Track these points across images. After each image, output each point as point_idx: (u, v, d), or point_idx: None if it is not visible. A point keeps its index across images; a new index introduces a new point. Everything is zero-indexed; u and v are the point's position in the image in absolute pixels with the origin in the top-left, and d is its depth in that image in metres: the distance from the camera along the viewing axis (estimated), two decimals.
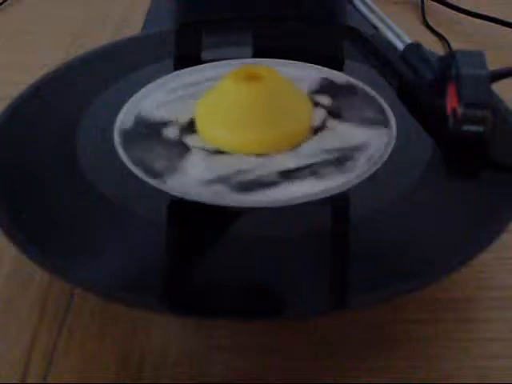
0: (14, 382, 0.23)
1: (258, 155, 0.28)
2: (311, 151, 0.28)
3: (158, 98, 0.32)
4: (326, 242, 0.24)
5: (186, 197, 0.26)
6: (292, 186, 0.26)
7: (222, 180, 0.26)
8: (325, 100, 0.31)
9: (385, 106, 0.31)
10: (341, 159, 0.28)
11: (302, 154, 0.28)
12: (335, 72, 0.34)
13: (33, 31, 0.46)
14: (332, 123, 0.30)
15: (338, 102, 0.31)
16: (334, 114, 0.31)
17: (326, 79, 0.33)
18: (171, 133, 0.29)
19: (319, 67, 0.34)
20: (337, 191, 0.26)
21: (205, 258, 0.23)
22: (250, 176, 0.27)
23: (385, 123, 0.30)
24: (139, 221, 0.25)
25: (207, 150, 0.28)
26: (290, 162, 0.28)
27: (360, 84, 0.33)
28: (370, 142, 0.29)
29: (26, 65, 0.41)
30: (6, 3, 0.50)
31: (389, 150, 0.28)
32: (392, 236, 0.24)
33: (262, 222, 0.25)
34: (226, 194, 0.26)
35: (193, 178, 0.27)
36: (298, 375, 0.23)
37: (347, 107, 0.31)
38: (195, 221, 0.25)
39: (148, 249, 0.24)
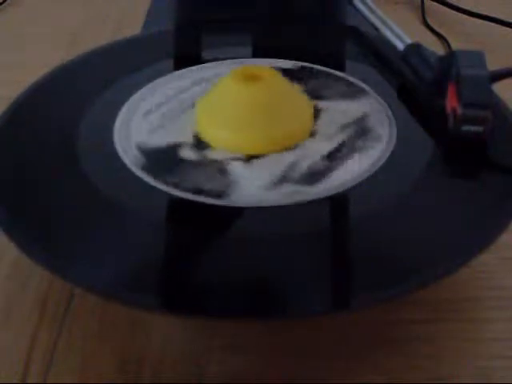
0: (14, 382, 0.23)
1: (288, 149, 0.28)
2: (330, 132, 0.29)
3: (150, 117, 0.31)
4: (326, 242, 0.24)
5: (262, 205, 0.25)
6: (346, 166, 0.27)
7: (283, 179, 0.26)
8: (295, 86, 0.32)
9: (351, 79, 0.33)
10: (361, 131, 0.29)
11: (325, 136, 0.29)
12: (281, 60, 0.35)
13: (33, 31, 0.46)
14: (321, 104, 0.31)
15: (311, 85, 0.32)
16: (314, 95, 0.32)
17: (278, 68, 0.34)
18: (189, 153, 0.28)
19: (267, 59, 0.35)
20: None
21: (205, 258, 0.23)
22: (303, 168, 0.27)
23: (363, 93, 0.32)
24: (139, 221, 0.25)
25: (239, 159, 0.28)
26: (323, 145, 0.28)
27: (311, 65, 0.34)
28: (367, 110, 0.30)
29: (25, 65, 0.41)
30: (5, 3, 0.50)
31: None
32: (392, 236, 0.24)
33: (261, 222, 0.25)
34: (300, 190, 0.26)
35: (254, 187, 0.26)
36: (298, 375, 0.23)
37: (319, 87, 0.32)
38: (195, 221, 0.25)
39: (148, 249, 0.24)
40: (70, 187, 0.27)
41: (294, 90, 0.30)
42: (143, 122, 0.30)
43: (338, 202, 0.26)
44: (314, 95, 0.32)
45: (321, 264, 0.23)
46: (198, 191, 0.26)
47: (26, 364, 0.24)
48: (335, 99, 0.31)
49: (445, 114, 0.29)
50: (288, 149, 0.28)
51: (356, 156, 0.28)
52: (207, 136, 0.29)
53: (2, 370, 0.23)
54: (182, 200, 0.26)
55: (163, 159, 0.28)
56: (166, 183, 0.26)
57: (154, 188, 0.26)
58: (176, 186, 0.26)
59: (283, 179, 0.26)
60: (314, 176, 0.27)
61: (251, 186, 0.26)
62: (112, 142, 0.29)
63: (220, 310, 0.22)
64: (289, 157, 0.28)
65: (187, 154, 0.28)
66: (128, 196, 0.26)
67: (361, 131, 0.29)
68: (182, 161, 0.28)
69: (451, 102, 0.28)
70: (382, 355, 0.24)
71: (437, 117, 0.30)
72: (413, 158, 0.28)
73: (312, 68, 0.34)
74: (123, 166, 0.27)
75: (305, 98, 0.31)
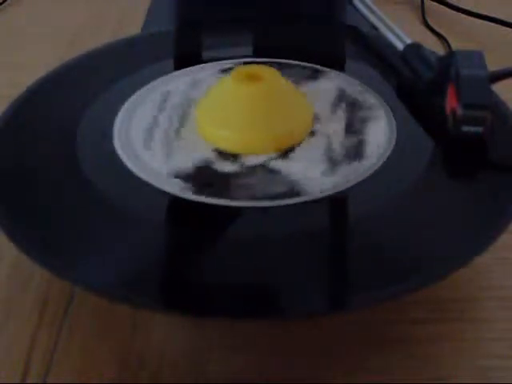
0: (14, 382, 0.23)
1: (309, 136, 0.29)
2: (328, 113, 0.30)
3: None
4: (325, 242, 0.24)
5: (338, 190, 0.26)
6: (370, 135, 0.29)
7: (334, 162, 0.27)
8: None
9: (301, 63, 0.34)
10: (351, 104, 0.31)
11: (327, 119, 0.30)
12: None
13: (33, 31, 0.46)
14: (301, 89, 0.32)
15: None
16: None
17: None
18: (226, 167, 0.28)
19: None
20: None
21: (205, 258, 0.23)
22: (338, 148, 0.28)
23: (320, 72, 0.33)
24: (139, 221, 0.25)
25: (275, 158, 0.28)
26: (335, 127, 0.29)
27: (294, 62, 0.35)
28: (339, 86, 0.32)
29: (26, 65, 0.41)
30: (5, 3, 0.50)
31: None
32: (392, 236, 0.24)
33: (262, 222, 0.25)
34: (357, 167, 0.27)
35: (317, 176, 0.27)
36: (298, 375, 0.23)
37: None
38: (195, 221, 0.25)
39: (148, 248, 0.24)
40: (69, 187, 0.27)
41: (294, 90, 0.30)
42: (150, 150, 0.29)
43: (337, 202, 0.26)
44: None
45: (320, 264, 0.23)
46: (270, 197, 0.26)
47: (26, 364, 0.24)
48: (303, 83, 0.33)
49: (444, 114, 0.29)
50: (308, 136, 0.29)
51: (370, 124, 0.29)
52: (206, 135, 0.29)
53: (2, 370, 0.23)
54: (181, 200, 0.26)
55: (205, 177, 0.27)
56: (230, 199, 0.26)
57: (154, 188, 0.26)
58: (237, 198, 0.26)
59: (334, 162, 0.27)
60: (353, 151, 0.28)
61: (314, 177, 0.27)
62: (112, 142, 0.29)
63: (220, 310, 0.22)
64: (318, 142, 0.29)
65: (222, 166, 0.28)
66: (128, 196, 0.26)
67: (351, 103, 0.31)
68: (226, 174, 0.27)
69: (451, 103, 0.28)
70: (382, 355, 0.24)
71: (436, 117, 0.30)
72: (413, 158, 0.28)
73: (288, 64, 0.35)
74: (123, 165, 0.27)
75: (304, 96, 0.31)
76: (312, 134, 0.29)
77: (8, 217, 0.25)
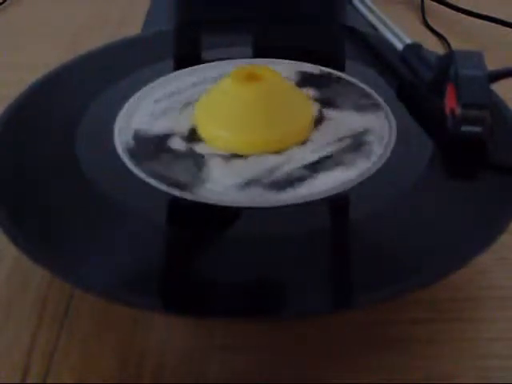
0: (14, 382, 0.23)
1: (276, 153, 0.28)
2: (323, 142, 0.29)
3: (150, 109, 0.31)
4: (326, 242, 0.24)
5: (225, 204, 0.25)
6: (325, 178, 0.27)
7: (254, 182, 0.26)
8: (311, 92, 0.32)
9: (369, 90, 0.32)
10: (355, 145, 0.28)
11: (316, 146, 0.28)
12: (308, 64, 0.35)
13: (33, 31, 0.46)
14: (329, 112, 0.31)
15: (326, 92, 0.32)
16: (326, 103, 0.31)
17: (301, 72, 0.34)
18: (178, 144, 0.29)
19: (292, 62, 0.35)
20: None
21: (205, 258, 0.23)
22: (279, 174, 0.27)
23: (376, 107, 0.31)
24: (139, 221, 0.25)
25: (222, 156, 0.28)
26: (309, 155, 0.28)
27: (337, 72, 0.34)
28: (373, 125, 0.30)
29: (25, 65, 0.41)
30: (5, 3, 0.50)
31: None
32: (392, 236, 0.24)
33: (262, 222, 0.25)
34: (263, 195, 0.26)
35: (223, 185, 0.26)
36: (298, 375, 0.23)
37: (335, 95, 0.32)
38: (195, 221, 0.25)
39: (148, 249, 0.24)
40: (70, 187, 0.27)
41: (295, 91, 0.30)
42: (146, 110, 0.31)
43: (338, 202, 0.26)
44: (326, 103, 0.31)
45: (321, 264, 0.23)
46: (167, 180, 0.26)
47: (26, 364, 0.24)
48: (346, 110, 0.31)
49: (444, 114, 0.29)
50: (276, 152, 0.28)
51: (339, 169, 0.27)
52: (205, 135, 0.29)
53: (2, 370, 0.23)
54: (181, 200, 0.26)
55: (151, 146, 0.28)
56: (143, 169, 0.27)
57: (154, 188, 0.26)
58: (151, 172, 0.27)
59: (255, 182, 0.26)
60: (287, 183, 0.26)
61: (220, 184, 0.26)
62: (112, 142, 0.29)
63: (220, 310, 0.22)
64: (271, 160, 0.28)
65: (176, 144, 0.29)
66: (128, 196, 0.26)
67: (355, 146, 0.28)
68: (168, 150, 0.28)
69: (450, 103, 0.28)
70: (382, 355, 0.24)
71: (436, 117, 0.30)
72: (412, 158, 0.28)
73: (332, 74, 0.34)
74: (123, 166, 0.27)
75: (305, 98, 0.31)
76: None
77: (8, 217, 0.25)
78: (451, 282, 0.26)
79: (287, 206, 0.25)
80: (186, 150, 0.28)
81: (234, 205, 0.25)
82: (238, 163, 0.27)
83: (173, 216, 0.25)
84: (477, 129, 0.28)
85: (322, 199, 0.26)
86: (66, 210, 0.25)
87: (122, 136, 0.29)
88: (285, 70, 0.34)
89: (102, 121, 0.30)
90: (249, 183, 0.26)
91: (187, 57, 0.36)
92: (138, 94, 0.32)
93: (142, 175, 0.27)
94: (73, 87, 0.33)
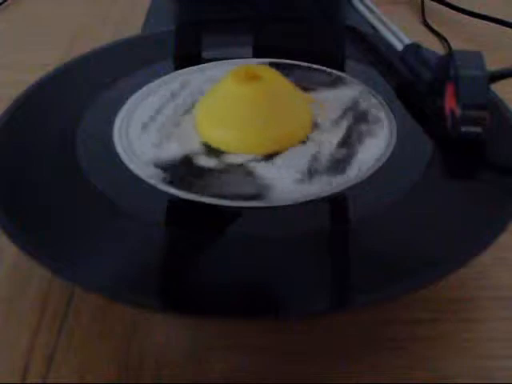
0: (14, 382, 0.23)
1: (301, 143, 0.29)
2: (332, 121, 0.30)
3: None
4: (325, 242, 0.24)
5: (301, 200, 0.26)
6: (363, 150, 0.28)
7: (314, 172, 0.27)
8: None
9: (327, 69, 0.34)
10: (359, 115, 0.30)
11: (329, 126, 0.30)
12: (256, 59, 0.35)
13: (33, 31, 0.46)
14: (311, 95, 0.32)
15: (299, 78, 0.33)
16: (301, 88, 0.33)
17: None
18: (206, 162, 0.28)
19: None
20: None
21: (204, 258, 0.23)
22: (325, 159, 0.28)
23: (343, 80, 0.33)
24: (139, 221, 0.25)
25: (258, 160, 0.28)
26: (332, 136, 0.29)
27: (290, 61, 0.35)
28: (355, 96, 0.32)
29: (26, 65, 0.41)
30: (6, 3, 0.50)
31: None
32: (392, 236, 0.24)
33: (262, 222, 0.25)
34: (334, 179, 0.27)
35: (288, 183, 0.26)
36: (298, 375, 0.23)
37: (303, 80, 0.33)
38: (195, 221, 0.25)
39: (148, 249, 0.24)
40: (69, 188, 0.27)
41: (294, 89, 0.30)
42: (145, 134, 0.30)
43: (337, 202, 0.26)
44: (301, 88, 0.33)
45: (320, 264, 0.23)
46: (235, 196, 0.26)
47: (25, 364, 0.24)
48: (320, 90, 0.32)
49: (444, 114, 0.29)
50: (301, 143, 0.29)
51: (367, 140, 0.29)
52: (206, 136, 0.29)
53: (2, 370, 0.23)
54: (182, 201, 0.26)
55: (183, 170, 0.27)
56: (191, 192, 0.26)
57: (154, 188, 0.26)
58: (209, 193, 0.26)
59: (314, 171, 0.27)
60: (339, 164, 0.27)
61: (285, 183, 0.26)
62: (112, 142, 0.29)
63: (220, 310, 0.22)
64: (307, 150, 0.28)
65: (204, 161, 0.28)
66: (128, 196, 0.26)
67: (359, 115, 0.30)
68: (203, 169, 0.27)
69: (449, 103, 0.28)
70: (382, 355, 0.24)
71: (436, 117, 0.30)
72: (412, 158, 0.28)
73: (283, 63, 0.35)
74: (123, 166, 0.27)
75: (304, 96, 0.31)
76: (305, 140, 0.29)
77: (8, 217, 0.25)
78: (451, 282, 0.26)
79: (287, 206, 0.25)
80: (220, 164, 0.28)
81: (308, 199, 0.26)
82: (279, 161, 0.28)
83: (172, 216, 0.25)
84: (476, 129, 0.28)
85: (321, 199, 0.26)
86: (65, 210, 0.25)
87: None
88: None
89: (102, 121, 0.30)
90: (310, 174, 0.27)
91: (187, 57, 0.36)
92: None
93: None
94: (73, 87, 0.33)
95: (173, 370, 0.23)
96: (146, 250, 0.24)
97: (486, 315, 0.25)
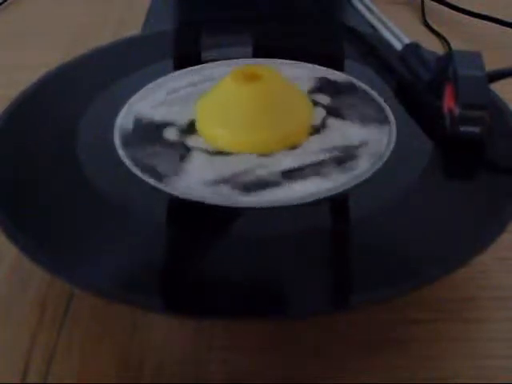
0: (14, 382, 0.23)
1: (260, 155, 0.28)
2: (312, 150, 0.28)
3: (157, 99, 0.32)
4: (325, 242, 0.24)
5: (190, 198, 0.26)
6: (295, 186, 0.26)
7: (224, 181, 0.26)
8: (324, 99, 0.32)
9: (383, 104, 0.31)
10: (342, 158, 0.28)
11: (304, 153, 0.28)
12: (334, 71, 0.34)
13: (33, 31, 0.46)
14: (332, 122, 0.30)
15: (337, 101, 0.31)
16: (333, 112, 0.31)
17: (324, 78, 0.33)
18: (171, 134, 0.29)
19: (317, 66, 0.34)
20: (337, 191, 0.26)
21: (205, 258, 0.23)
22: (252, 176, 0.27)
23: (384, 121, 0.30)
24: (139, 221, 0.25)
25: (208, 151, 0.28)
26: (291, 161, 0.28)
27: (359, 83, 0.33)
28: (370, 140, 0.29)
29: (26, 65, 0.41)
30: (6, 3, 0.50)
31: (389, 150, 0.28)
32: (392, 236, 0.24)
33: (262, 222, 0.25)
34: (230, 195, 0.26)
35: (196, 180, 0.26)
36: (298, 375, 0.23)
37: (346, 106, 0.31)
38: (195, 221, 0.25)
39: (148, 249, 0.24)
40: (69, 187, 0.27)
41: (295, 90, 0.30)
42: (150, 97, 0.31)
43: (338, 202, 0.26)
44: (333, 112, 0.31)
45: (321, 264, 0.23)
46: (145, 168, 0.27)
47: (26, 364, 0.24)
48: (349, 121, 0.30)
49: (443, 114, 0.29)
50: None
51: (314, 179, 0.27)
52: (201, 129, 0.29)
53: (2, 370, 0.23)
54: (182, 200, 0.26)
55: (146, 134, 0.29)
56: (127, 154, 0.28)
57: (154, 188, 0.26)
58: (135, 160, 0.27)
59: (225, 181, 0.26)
60: (338, 164, 0.27)
61: (192, 180, 0.26)
62: (112, 142, 0.29)
63: (220, 310, 0.22)
64: (252, 162, 0.28)
65: (171, 134, 0.29)
66: (128, 196, 0.26)
67: (341, 159, 0.28)
68: (161, 139, 0.29)
69: (448, 103, 0.28)
70: (382, 355, 0.24)
71: (435, 117, 0.30)
72: (412, 158, 0.28)
73: (352, 84, 0.33)
74: (123, 165, 0.27)
75: (305, 97, 0.31)
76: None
77: (8, 217, 0.25)
78: (451, 281, 0.26)
79: (286, 206, 0.25)
80: (177, 142, 0.29)
81: (198, 200, 0.25)
82: (219, 160, 0.28)
83: (173, 216, 0.25)
84: (475, 129, 0.28)
85: (321, 199, 0.26)
86: (65, 210, 0.25)
87: (122, 121, 0.30)
88: (304, 73, 0.34)
89: (103, 121, 0.30)
90: (219, 181, 0.26)
91: (187, 57, 0.36)
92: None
93: (130, 164, 0.27)
94: (73, 87, 0.33)
95: (173, 370, 0.23)
96: (145, 249, 0.24)
97: (486, 315, 0.25)
